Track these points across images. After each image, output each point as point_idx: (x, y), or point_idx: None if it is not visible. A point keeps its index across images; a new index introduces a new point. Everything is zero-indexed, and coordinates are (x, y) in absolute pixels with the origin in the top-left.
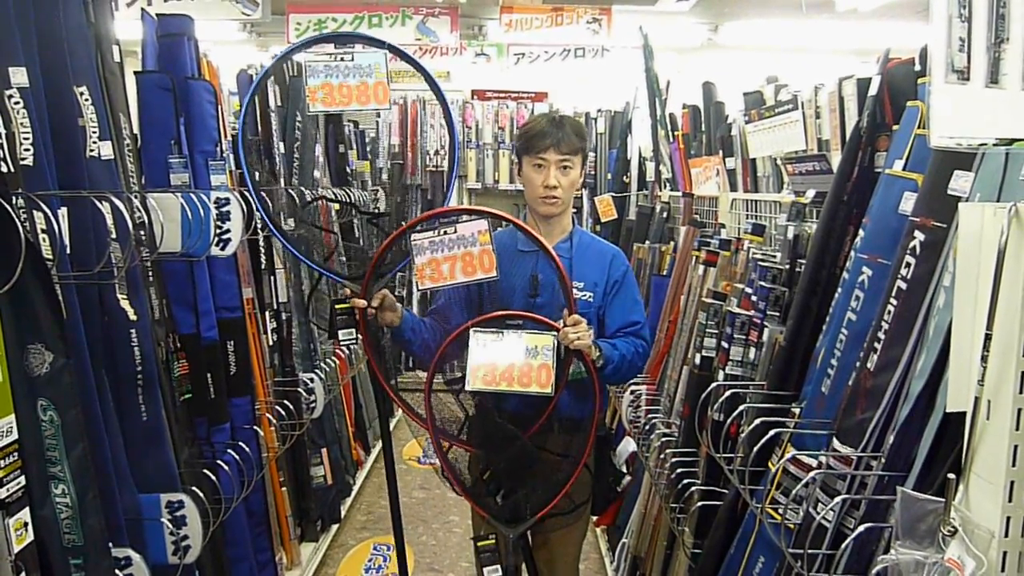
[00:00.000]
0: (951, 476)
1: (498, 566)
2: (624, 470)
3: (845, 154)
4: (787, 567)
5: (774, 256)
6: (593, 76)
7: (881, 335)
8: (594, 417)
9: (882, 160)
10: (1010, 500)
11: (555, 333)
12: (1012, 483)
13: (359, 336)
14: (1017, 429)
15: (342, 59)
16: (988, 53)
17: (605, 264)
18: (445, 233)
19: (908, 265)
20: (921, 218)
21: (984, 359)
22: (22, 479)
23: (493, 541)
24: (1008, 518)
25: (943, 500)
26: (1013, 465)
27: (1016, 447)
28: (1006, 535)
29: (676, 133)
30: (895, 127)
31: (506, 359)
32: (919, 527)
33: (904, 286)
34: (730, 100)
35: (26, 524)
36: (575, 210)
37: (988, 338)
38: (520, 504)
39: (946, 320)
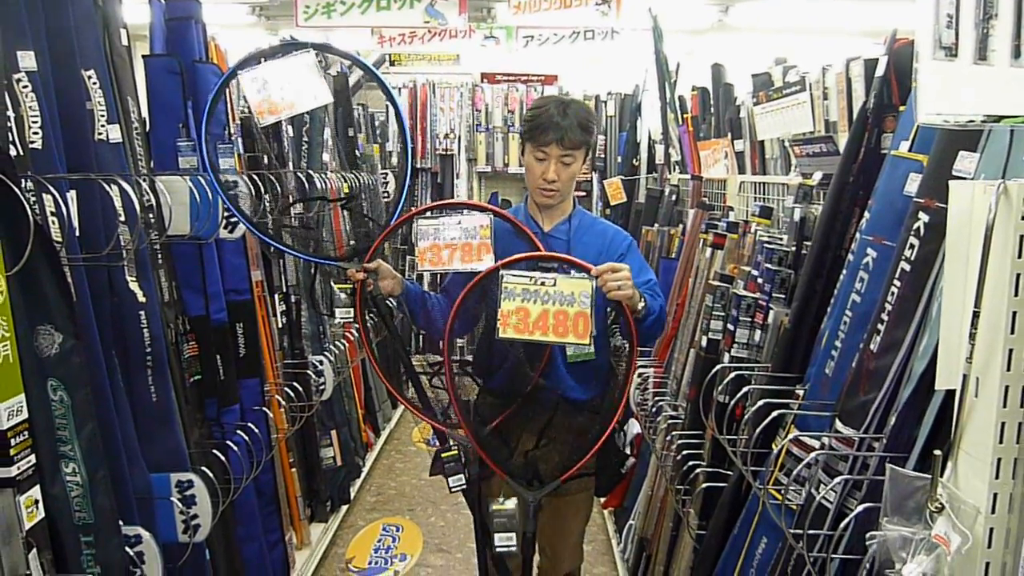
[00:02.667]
0: (937, 452)
1: (512, 533)
2: (628, 451)
3: (851, 135)
4: (789, 547)
5: (781, 238)
6: (603, 58)
7: (885, 316)
8: (629, 374)
9: (889, 141)
10: (997, 476)
11: (594, 278)
12: (999, 460)
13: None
14: (1004, 406)
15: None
16: (976, 29)
17: (604, 243)
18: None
19: (912, 246)
20: (926, 199)
21: (972, 337)
22: (32, 457)
23: (454, 451)
24: (995, 494)
25: (930, 477)
26: (1000, 442)
27: (1003, 424)
28: (992, 511)
29: (685, 116)
30: (902, 108)
31: (540, 305)
32: (907, 504)
33: (908, 267)
34: (740, 82)
35: (37, 502)
36: (584, 193)
37: (976, 316)
38: (541, 465)
39: None
